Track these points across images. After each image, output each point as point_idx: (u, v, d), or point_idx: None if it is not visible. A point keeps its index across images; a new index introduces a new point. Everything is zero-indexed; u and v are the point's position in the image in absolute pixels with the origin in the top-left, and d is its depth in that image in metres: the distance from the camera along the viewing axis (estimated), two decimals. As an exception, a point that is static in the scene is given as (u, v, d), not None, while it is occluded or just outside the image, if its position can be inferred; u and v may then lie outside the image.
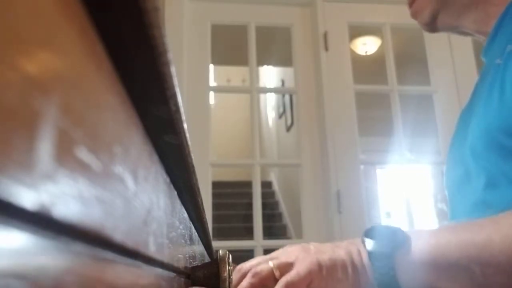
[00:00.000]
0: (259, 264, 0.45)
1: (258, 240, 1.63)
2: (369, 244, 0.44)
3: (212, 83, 2.37)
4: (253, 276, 0.44)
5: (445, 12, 0.60)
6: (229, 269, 0.33)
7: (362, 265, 0.44)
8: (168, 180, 0.21)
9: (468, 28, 0.60)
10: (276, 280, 0.44)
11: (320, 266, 0.43)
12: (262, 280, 0.43)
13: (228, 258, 0.34)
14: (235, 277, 0.45)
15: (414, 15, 0.63)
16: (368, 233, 0.45)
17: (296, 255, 0.45)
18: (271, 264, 0.44)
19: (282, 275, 0.44)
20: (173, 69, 0.14)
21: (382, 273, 0.42)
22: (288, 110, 3.95)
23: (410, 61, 2.31)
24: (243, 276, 0.45)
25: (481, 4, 0.58)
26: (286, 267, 0.44)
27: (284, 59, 2.41)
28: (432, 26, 0.62)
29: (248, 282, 0.43)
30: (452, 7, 0.59)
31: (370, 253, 0.43)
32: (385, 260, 0.42)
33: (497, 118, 0.46)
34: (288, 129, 3.98)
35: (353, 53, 2.45)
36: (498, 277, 0.37)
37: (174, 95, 0.15)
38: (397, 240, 0.43)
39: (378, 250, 0.43)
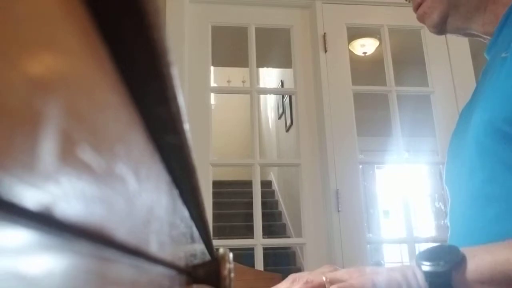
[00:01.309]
0: (314, 276, 0.46)
1: (258, 238, 1.63)
2: (425, 265, 0.43)
3: (213, 84, 2.37)
4: (305, 283, 0.44)
5: (455, 15, 0.59)
6: (229, 268, 0.33)
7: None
8: (169, 179, 0.22)
9: (477, 30, 0.60)
10: None
11: (374, 285, 0.43)
12: None
13: (229, 256, 0.34)
14: (286, 282, 0.46)
15: (421, 17, 0.62)
16: (422, 255, 0.44)
17: (351, 275, 0.45)
18: (324, 278, 0.45)
19: None
20: (174, 70, 0.15)
21: None
22: (288, 110, 3.95)
23: (407, 62, 2.31)
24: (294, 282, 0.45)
25: (489, 6, 0.57)
26: (338, 283, 0.44)
27: (283, 60, 2.42)
28: (440, 28, 0.61)
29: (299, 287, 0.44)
30: (462, 9, 0.58)
31: (426, 274, 0.42)
32: (443, 279, 0.41)
33: (502, 109, 0.46)
34: (288, 129, 3.98)
35: (351, 54, 2.46)
36: None
37: (175, 96, 0.15)
38: (453, 259, 0.42)
39: (434, 270, 0.42)
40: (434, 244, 0.46)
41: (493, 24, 0.57)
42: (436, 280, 0.42)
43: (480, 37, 0.61)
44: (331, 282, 0.44)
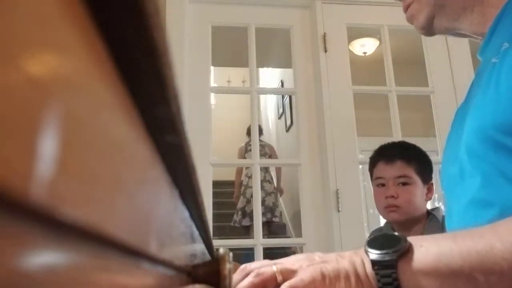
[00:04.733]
0: (263, 266, 0.46)
1: (258, 238, 1.63)
2: (372, 253, 0.43)
3: (213, 84, 2.37)
4: (256, 276, 0.44)
5: (441, 16, 0.59)
6: (229, 267, 0.33)
7: (365, 276, 0.43)
8: (169, 180, 0.22)
9: (465, 30, 0.60)
10: (277, 285, 0.44)
11: (323, 275, 0.43)
12: (264, 281, 0.44)
13: (229, 256, 0.34)
14: (238, 275, 0.46)
15: (410, 19, 0.62)
16: (370, 243, 0.45)
17: (301, 263, 0.45)
18: (274, 268, 0.45)
19: (284, 280, 0.44)
20: (174, 71, 0.15)
21: (386, 283, 0.42)
22: (288, 110, 3.95)
23: (407, 62, 2.32)
24: (246, 275, 0.45)
25: (477, 6, 0.57)
26: (289, 273, 0.44)
27: (283, 60, 2.42)
28: (428, 29, 0.61)
29: (250, 281, 0.44)
30: (448, 10, 0.58)
31: (373, 262, 0.43)
32: (389, 269, 0.42)
33: (492, 116, 0.46)
34: (288, 129, 3.99)
35: (351, 54, 2.46)
36: (501, 285, 0.37)
37: (175, 96, 0.15)
38: (400, 248, 0.42)
39: (381, 259, 0.42)
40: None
41: (482, 24, 0.57)
42: (382, 268, 0.42)
43: (471, 36, 0.61)
44: (281, 272, 0.44)
